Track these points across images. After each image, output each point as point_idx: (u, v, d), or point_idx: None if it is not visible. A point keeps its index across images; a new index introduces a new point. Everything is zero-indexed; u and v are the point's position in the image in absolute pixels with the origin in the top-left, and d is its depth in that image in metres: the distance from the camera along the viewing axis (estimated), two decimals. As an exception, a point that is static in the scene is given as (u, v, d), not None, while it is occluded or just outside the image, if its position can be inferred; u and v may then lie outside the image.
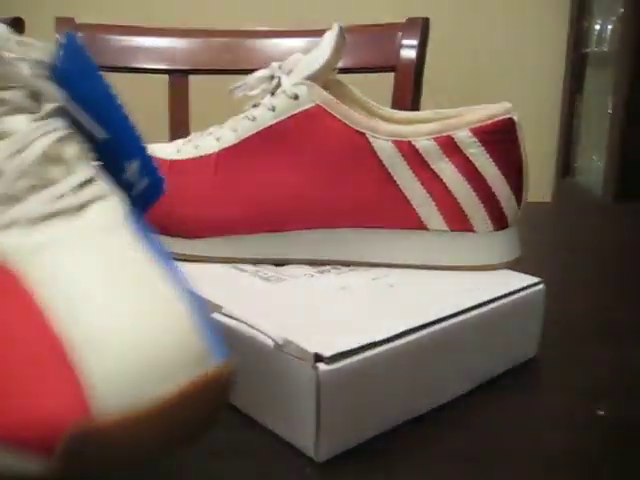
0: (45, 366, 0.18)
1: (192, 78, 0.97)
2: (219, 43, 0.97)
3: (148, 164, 0.27)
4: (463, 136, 0.38)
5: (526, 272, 0.40)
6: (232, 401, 0.34)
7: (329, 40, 0.40)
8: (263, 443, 0.31)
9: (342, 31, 0.41)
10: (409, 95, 0.96)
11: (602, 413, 0.34)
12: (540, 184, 2.02)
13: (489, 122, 0.38)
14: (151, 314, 0.19)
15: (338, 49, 0.40)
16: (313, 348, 0.29)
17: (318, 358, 0.29)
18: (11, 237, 0.21)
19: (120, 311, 0.19)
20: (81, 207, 0.22)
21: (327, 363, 0.29)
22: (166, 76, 0.96)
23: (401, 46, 0.96)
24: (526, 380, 0.38)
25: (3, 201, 0.21)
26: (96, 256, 0.21)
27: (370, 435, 0.31)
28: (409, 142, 0.38)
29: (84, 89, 0.26)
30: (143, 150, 0.27)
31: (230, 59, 0.95)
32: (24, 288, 0.19)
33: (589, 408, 0.35)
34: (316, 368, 0.29)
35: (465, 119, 0.39)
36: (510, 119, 0.39)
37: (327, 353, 0.29)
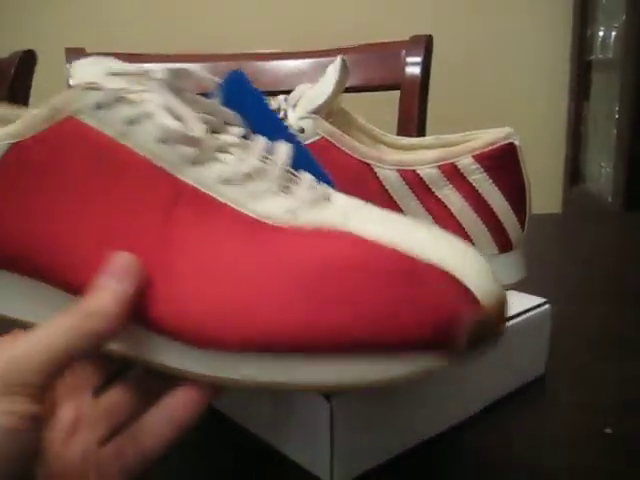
0: (428, 280, 0.24)
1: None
2: (226, 66, 0.98)
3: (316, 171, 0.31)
4: (466, 163, 0.39)
5: (534, 288, 0.41)
6: (249, 428, 0.35)
7: (332, 73, 0.41)
8: (279, 469, 0.32)
9: (345, 63, 0.42)
10: (415, 111, 0.97)
11: (609, 431, 0.35)
12: (550, 192, 2.02)
13: (491, 148, 0.39)
14: (458, 242, 0.26)
15: (341, 82, 0.41)
16: (325, 378, 0.30)
17: (330, 388, 0.30)
18: (318, 214, 0.27)
19: (441, 236, 0.27)
20: (327, 196, 0.29)
21: (340, 394, 0.30)
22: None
23: (406, 64, 0.97)
24: (534, 399, 0.39)
25: (277, 191, 0.28)
26: (380, 212, 0.29)
27: (383, 459, 0.32)
28: (413, 171, 0.39)
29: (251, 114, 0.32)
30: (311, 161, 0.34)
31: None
32: (357, 238, 0.26)
33: (597, 426, 0.35)
34: (329, 399, 0.30)
35: (467, 146, 0.40)
36: (511, 144, 0.40)
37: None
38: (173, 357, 0.26)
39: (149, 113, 0.28)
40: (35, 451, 0.24)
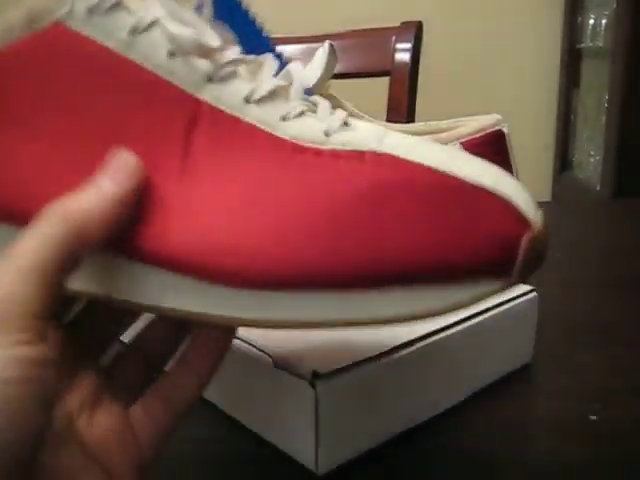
0: (482, 204, 0.23)
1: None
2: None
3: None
4: (454, 150, 0.39)
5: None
6: (234, 415, 0.35)
7: (321, 58, 0.41)
8: (265, 457, 0.32)
9: (333, 48, 0.41)
10: (404, 98, 0.97)
11: (594, 418, 0.35)
12: (539, 179, 2.02)
13: (479, 135, 0.39)
14: (496, 168, 0.25)
15: (330, 67, 0.41)
16: (311, 366, 0.30)
17: (316, 375, 0.30)
18: (351, 136, 0.25)
19: (480, 160, 0.25)
20: (346, 120, 0.26)
21: (324, 380, 0.30)
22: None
23: (395, 50, 0.97)
24: (520, 386, 0.39)
25: (304, 111, 0.25)
26: (410, 136, 0.26)
27: (368, 447, 0.32)
28: (401, 157, 0.39)
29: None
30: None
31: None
32: (399, 160, 0.24)
33: (582, 413, 0.36)
34: (314, 385, 0.29)
35: (456, 133, 0.39)
36: (500, 131, 0.40)
37: (324, 370, 0.30)
38: (190, 299, 0.24)
39: (155, 20, 0.24)
40: (48, 420, 0.20)
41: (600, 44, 1.74)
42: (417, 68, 0.97)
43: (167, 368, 0.27)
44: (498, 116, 0.40)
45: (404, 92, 0.96)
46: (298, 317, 0.24)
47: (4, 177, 0.24)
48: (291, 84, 0.26)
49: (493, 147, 0.39)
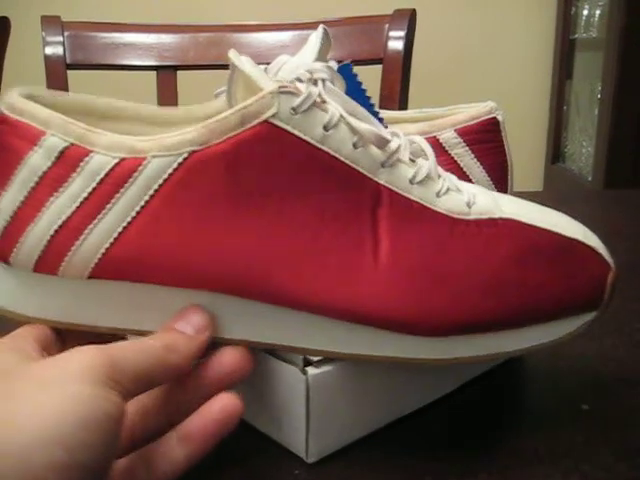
0: (579, 255, 0.32)
1: (180, 74, 0.97)
2: (206, 38, 0.96)
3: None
4: (448, 137, 0.39)
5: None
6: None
7: (314, 43, 0.40)
8: (254, 444, 0.32)
9: (327, 33, 0.41)
10: (397, 86, 0.96)
11: (586, 407, 0.35)
12: (530, 170, 2.02)
13: (473, 122, 0.39)
14: (574, 221, 0.34)
15: (323, 51, 0.40)
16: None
17: (307, 362, 0.29)
18: (482, 204, 0.31)
19: (563, 215, 0.34)
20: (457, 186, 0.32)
21: (316, 367, 0.29)
22: (154, 72, 0.96)
23: (388, 38, 0.96)
24: (511, 375, 0.39)
25: (450, 187, 0.31)
26: (507, 196, 0.34)
27: (359, 435, 0.32)
28: (395, 143, 0.39)
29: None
30: None
31: (218, 54, 0.95)
32: (520, 224, 0.31)
33: (574, 403, 0.35)
34: (305, 372, 0.29)
35: (450, 120, 0.39)
36: (494, 119, 0.39)
37: (315, 357, 0.29)
38: (384, 347, 0.30)
39: (340, 116, 0.29)
40: (113, 455, 0.24)
41: (594, 35, 1.74)
42: (410, 56, 0.96)
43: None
44: (493, 103, 0.40)
45: (397, 80, 0.95)
46: (465, 354, 0.31)
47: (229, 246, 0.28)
48: (433, 163, 0.31)
49: (488, 134, 0.39)
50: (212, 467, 0.30)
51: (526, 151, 1.95)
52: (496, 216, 0.31)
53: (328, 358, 0.30)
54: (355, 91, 0.35)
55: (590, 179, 1.68)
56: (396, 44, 0.96)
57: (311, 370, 0.29)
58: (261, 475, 0.30)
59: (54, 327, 0.29)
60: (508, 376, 0.38)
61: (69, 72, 0.91)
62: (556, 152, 2.00)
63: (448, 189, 0.31)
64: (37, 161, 0.27)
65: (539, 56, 1.99)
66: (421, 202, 0.30)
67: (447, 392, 0.36)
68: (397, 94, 0.94)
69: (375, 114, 0.35)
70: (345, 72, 0.35)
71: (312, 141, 0.28)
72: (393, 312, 0.29)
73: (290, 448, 0.31)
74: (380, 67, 0.96)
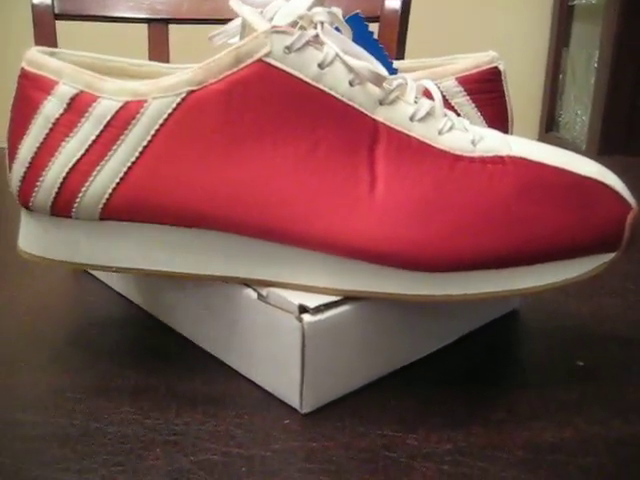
0: (596, 194, 0.30)
1: (172, 27, 0.94)
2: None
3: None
4: (449, 85, 0.38)
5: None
6: (216, 353, 0.34)
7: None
8: (246, 394, 0.31)
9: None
10: (394, 45, 0.94)
11: (581, 364, 0.35)
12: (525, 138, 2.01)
13: (475, 71, 0.38)
14: (593, 161, 0.32)
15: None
16: (297, 300, 0.29)
17: (303, 309, 0.29)
18: (489, 143, 0.31)
19: (580, 156, 0.32)
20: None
21: (312, 314, 0.29)
22: (145, 25, 0.94)
23: (385, -4, 0.94)
24: (508, 332, 0.38)
25: (452, 125, 0.31)
26: (523, 139, 0.33)
27: (354, 387, 0.32)
28: (394, 92, 0.38)
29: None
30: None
31: (211, 8, 0.93)
32: (530, 162, 0.30)
33: (569, 359, 0.35)
34: (301, 319, 0.28)
35: (451, 68, 0.38)
36: (495, 68, 0.38)
37: (311, 304, 0.29)
38: (384, 282, 0.30)
39: (336, 55, 0.29)
40: None
41: (593, 1, 1.72)
42: (407, 15, 0.95)
43: None
44: (494, 53, 0.39)
45: (393, 39, 0.93)
46: (468, 291, 0.30)
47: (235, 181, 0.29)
48: (438, 103, 0.31)
49: (489, 84, 0.38)
50: (200, 417, 0.29)
51: (520, 119, 1.94)
52: (503, 154, 0.30)
53: (324, 306, 0.29)
54: (366, 40, 0.34)
55: (584, 148, 1.68)
56: (393, 2, 0.94)
57: (307, 318, 0.28)
58: (248, 423, 0.29)
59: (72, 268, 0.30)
60: (504, 333, 0.38)
61: (57, 22, 0.88)
62: (550, 121, 1.99)
63: (452, 127, 0.30)
64: (51, 109, 0.29)
65: (536, 23, 1.97)
66: (421, 139, 0.29)
67: (444, 344, 0.36)
68: (394, 52, 0.92)
69: (389, 64, 0.35)
70: (355, 22, 0.35)
71: (306, 79, 0.28)
72: (390, 246, 0.28)
73: (284, 398, 0.30)
74: (377, 25, 0.94)
